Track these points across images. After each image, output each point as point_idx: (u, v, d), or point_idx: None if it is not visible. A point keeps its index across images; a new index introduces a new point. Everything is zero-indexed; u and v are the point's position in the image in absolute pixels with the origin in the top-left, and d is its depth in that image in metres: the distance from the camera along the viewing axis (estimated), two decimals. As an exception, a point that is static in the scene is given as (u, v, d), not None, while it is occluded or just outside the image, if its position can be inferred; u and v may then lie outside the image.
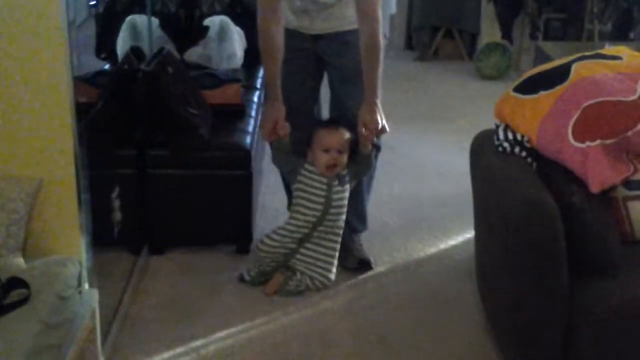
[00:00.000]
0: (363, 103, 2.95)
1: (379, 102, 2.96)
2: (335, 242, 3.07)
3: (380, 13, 2.95)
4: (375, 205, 3.62)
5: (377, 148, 3.24)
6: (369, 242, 3.39)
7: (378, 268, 3.26)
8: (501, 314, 2.55)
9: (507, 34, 6.53)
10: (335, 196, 3.00)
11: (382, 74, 2.98)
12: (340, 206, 3.03)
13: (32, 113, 2.20)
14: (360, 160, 3.04)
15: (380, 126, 2.94)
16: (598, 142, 2.36)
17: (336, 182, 3.01)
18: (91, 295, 2.32)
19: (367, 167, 3.09)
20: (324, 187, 2.99)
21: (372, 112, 2.94)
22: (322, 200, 2.99)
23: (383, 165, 3.40)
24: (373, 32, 2.93)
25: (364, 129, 2.93)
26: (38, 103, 2.19)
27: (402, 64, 6.85)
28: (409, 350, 2.72)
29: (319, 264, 3.05)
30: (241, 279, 3.10)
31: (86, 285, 2.33)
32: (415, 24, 7.17)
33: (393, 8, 7.37)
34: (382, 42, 2.95)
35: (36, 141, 2.23)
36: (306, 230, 3.01)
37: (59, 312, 2.07)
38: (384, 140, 3.23)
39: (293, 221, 3.01)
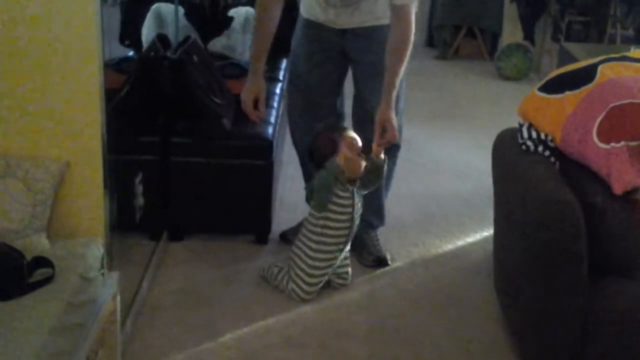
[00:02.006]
0: (381, 102, 2.96)
1: (394, 102, 2.96)
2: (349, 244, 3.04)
3: (413, 17, 2.97)
4: (393, 201, 3.64)
5: (397, 147, 3.25)
6: (386, 238, 3.41)
7: (395, 263, 3.28)
8: (519, 311, 2.56)
9: (529, 35, 6.53)
10: (358, 203, 2.96)
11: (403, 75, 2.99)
12: (359, 210, 2.98)
13: (61, 96, 2.22)
14: (371, 169, 2.94)
15: (396, 128, 2.94)
16: (622, 143, 2.36)
17: (358, 186, 2.96)
18: (113, 278, 2.34)
19: (378, 178, 2.99)
20: (350, 194, 2.91)
21: (390, 110, 2.94)
22: (350, 209, 2.92)
23: (401, 162, 3.41)
24: (405, 36, 2.95)
25: (380, 131, 2.92)
26: (68, 86, 2.21)
27: (423, 62, 6.84)
28: (424, 344, 2.73)
29: (339, 269, 3.04)
30: (262, 278, 3.09)
31: (108, 268, 2.35)
32: (437, 22, 7.16)
33: (415, 6, 7.35)
34: (411, 46, 2.97)
35: (64, 124, 2.25)
36: (342, 245, 2.95)
37: (82, 292, 2.09)
38: (403, 137, 3.25)
39: (329, 242, 2.91)
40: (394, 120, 2.94)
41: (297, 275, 2.94)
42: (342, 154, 2.86)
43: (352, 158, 2.87)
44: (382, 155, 2.95)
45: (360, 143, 2.92)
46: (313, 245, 2.92)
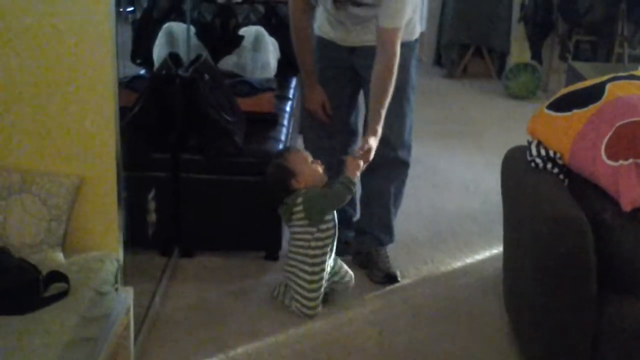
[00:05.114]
0: (367, 129, 2.98)
1: (379, 134, 2.98)
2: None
3: (398, 50, 2.98)
4: (403, 218, 3.65)
5: (406, 165, 3.28)
6: (395, 255, 3.42)
7: (404, 280, 3.29)
8: (528, 328, 2.57)
9: (536, 54, 6.56)
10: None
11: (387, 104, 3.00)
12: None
13: (76, 113, 2.26)
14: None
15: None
16: (631, 160, 2.38)
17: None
18: (127, 293, 2.37)
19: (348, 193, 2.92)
20: None
21: (375, 141, 2.96)
22: (332, 217, 2.99)
23: (410, 180, 3.43)
24: (389, 64, 2.97)
25: (360, 152, 2.92)
26: (83, 104, 2.25)
27: (431, 81, 6.88)
28: (434, 361, 2.75)
29: (337, 276, 3.07)
30: (274, 297, 3.09)
31: (122, 283, 2.37)
32: (445, 41, 7.20)
33: (423, 25, 7.40)
34: (395, 75, 2.98)
35: (79, 141, 2.29)
36: (331, 248, 2.99)
37: (97, 306, 2.12)
38: (411, 155, 3.30)
39: (323, 252, 2.95)
40: (374, 149, 2.95)
41: (297, 293, 2.96)
42: (301, 177, 2.92)
43: (309, 172, 2.94)
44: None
45: (306, 153, 3.04)
46: (309, 260, 2.94)
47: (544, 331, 2.41)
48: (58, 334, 1.91)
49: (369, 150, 2.92)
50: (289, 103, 4.00)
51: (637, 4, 6.11)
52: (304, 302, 2.95)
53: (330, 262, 3.01)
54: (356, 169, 2.89)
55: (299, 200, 2.91)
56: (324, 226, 2.93)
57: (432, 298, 3.17)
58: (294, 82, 4.30)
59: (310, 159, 2.99)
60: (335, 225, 2.98)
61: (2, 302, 1.98)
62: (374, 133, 2.95)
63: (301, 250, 2.95)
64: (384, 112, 2.97)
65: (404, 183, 3.38)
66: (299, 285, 2.95)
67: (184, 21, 4.02)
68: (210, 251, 3.40)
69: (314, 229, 2.92)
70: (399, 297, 3.16)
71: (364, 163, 2.92)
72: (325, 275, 3.00)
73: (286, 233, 3.51)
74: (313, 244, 2.93)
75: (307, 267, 2.94)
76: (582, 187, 2.52)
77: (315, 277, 2.95)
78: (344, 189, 2.88)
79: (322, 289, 2.99)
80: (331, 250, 3.00)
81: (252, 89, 3.61)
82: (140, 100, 3.18)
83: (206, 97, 3.21)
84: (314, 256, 2.94)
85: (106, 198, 2.33)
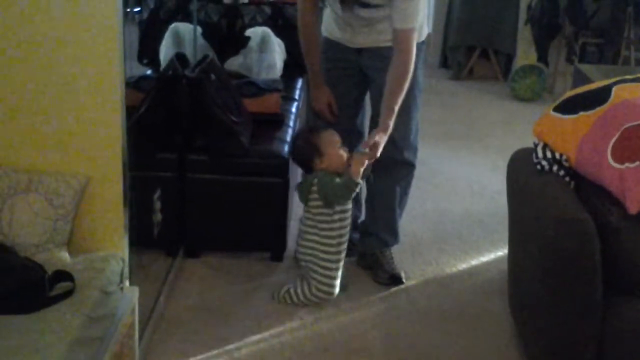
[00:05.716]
0: (378, 125, 2.98)
1: (390, 129, 2.98)
2: None
3: (414, 48, 3.00)
4: (408, 220, 3.66)
5: (412, 167, 3.28)
6: (400, 256, 3.42)
7: (409, 281, 3.29)
8: (533, 330, 2.57)
9: (543, 56, 6.55)
10: None
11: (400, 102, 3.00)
12: None
13: (83, 113, 2.26)
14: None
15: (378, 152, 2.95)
16: (637, 163, 2.37)
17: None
18: (132, 292, 2.37)
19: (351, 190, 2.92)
20: None
21: (385, 136, 2.95)
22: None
23: (416, 182, 3.43)
24: (405, 65, 2.98)
25: (368, 149, 2.90)
26: (90, 104, 2.25)
27: (437, 82, 6.88)
28: (439, 363, 2.75)
29: None
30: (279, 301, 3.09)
31: (127, 282, 2.38)
32: (451, 43, 7.20)
33: (429, 27, 7.41)
34: (410, 75, 2.99)
35: (85, 140, 2.29)
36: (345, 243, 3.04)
37: (102, 306, 2.12)
38: (417, 157, 3.30)
39: (345, 232, 3.01)
40: (382, 145, 2.94)
41: (320, 273, 2.98)
42: (326, 158, 2.94)
43: (335, 156, 2.95)
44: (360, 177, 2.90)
45: (337, 136, 3.00)
46: (334, 241, 2.97)
47: (549, 333, 2.41)
48: (63, 333, 1.92)
49: (376, 145, 2.90)
50: (295, 104, 4.00)
51: (644, 7, 6.11)
52: (328, 280, 2.98)
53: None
54: (360, 165, 2.86)
55: (315, 181, 2.94)
56: (339, 208, 2.96)
57: (436, 300, 3.17)
58: (299, 83, 4.30)
59: (339, 143, 2.98)
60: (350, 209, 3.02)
61: (7, 301, 1.99)
62: (385, 128, 2.95)
63: (323, 233, 2.97)
64: (396, 109, 2.98)
65: (409, 184, 3.38)
66: (322, 266, 2.98)
67: (190, 21, 4.03)
68: (216, 251, 3.40)
69: (331, 211, 2.95)
70: (403, 299, 3.17)
71: (371, 158, 2.90)
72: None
73: (292, 233, 3.52)
74: (334, 225, 2.97)
75: (331, 249, 2.98)
76: (588, 190, 2.52)
77: (340, 257, 3.00)
78: (345, 190, 2.89)
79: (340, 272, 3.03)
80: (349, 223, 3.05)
81: (259, 89, 3.61)
82: (146, 100, 3.18)
83: (212, 98, 3.21)
84: (339, 236, 2.98)
85: (112, 198, 2.33)
